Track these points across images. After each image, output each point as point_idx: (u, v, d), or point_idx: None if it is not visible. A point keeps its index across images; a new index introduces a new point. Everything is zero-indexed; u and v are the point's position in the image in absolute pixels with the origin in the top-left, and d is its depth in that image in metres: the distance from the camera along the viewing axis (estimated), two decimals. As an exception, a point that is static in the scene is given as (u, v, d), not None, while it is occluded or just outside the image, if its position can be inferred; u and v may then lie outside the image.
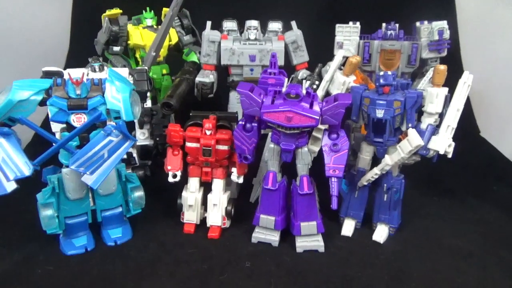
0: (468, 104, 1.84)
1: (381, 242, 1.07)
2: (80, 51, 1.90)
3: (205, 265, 0.96)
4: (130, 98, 0.92)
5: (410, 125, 0.99)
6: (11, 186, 0.84)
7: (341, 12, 1.70)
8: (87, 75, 1.10)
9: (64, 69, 1.91)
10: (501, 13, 1.65)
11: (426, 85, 1.27)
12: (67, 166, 0.93)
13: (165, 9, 1.45)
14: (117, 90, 0.91)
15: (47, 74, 1.09)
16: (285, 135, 0.94)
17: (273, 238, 1.04)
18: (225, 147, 1.05)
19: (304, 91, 0.94)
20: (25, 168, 0.85)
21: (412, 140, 0.95)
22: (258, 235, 1.05)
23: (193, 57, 1.44)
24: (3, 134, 0.86)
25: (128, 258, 0.98)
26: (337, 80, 1.06)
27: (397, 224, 1.09)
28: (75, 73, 1.09)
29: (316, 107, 0.91)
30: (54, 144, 0.88)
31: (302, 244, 1.02)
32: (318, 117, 0.90)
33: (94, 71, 1.10)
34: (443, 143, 0.95)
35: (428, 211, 1.23)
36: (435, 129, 0.98)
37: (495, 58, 1.73)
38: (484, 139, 1.73)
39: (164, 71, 1.45)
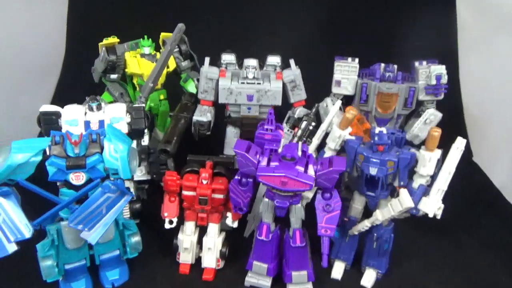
0: (463, 128, 1.86)
1: (369, 287, 1.11)
2: (76, 58, 1.90)
3: (199, 313, 1.01)
4: (127, 157, 0.93)
5: (402, 183, 1.02)
6: (12, 248, 0.87)
7: (339, 37, 1.69)
8: (85, 114, 1.11)
9: (60, 77, 1.92)
10: (501, 40, 1.64)
11: (421, 126, 1.29)
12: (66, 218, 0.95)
13: (163, 34, 1.44)
14: (115, 150, 0.92)
15: (44, 115, 1.10)
16: (279, 195, 0.96)
17: (265, 283, 1.08)
18: (220, 196, 1.07)
19: (299, 153, 0.96)
20: (26, 230, 0.87)
21: (403, 202, 0.98)
22: (251, 279, 1.09)
23: (191, 84, 1.44)
24: (3, 194, 0.88)
25: (126, 304, 1.02)
26: (332, 133, 1.07)
27: (385, 270, 1.13)
28: (73, 113, 1.10)
29: (311, 171, 0.93)
30: (56, 203, 0.90)
31: (292, 291, 1.07)
32: (312, 183, 0.92)
33: (92, 110, 1.11)
34: (432, 206, 0.98)
35: (416, 250, 1.26)
36: (426, 189, 1.01)
37: (493, 83, 1.73)
38: (476, 164, 1.76)
39: (162, 97, 1.45)
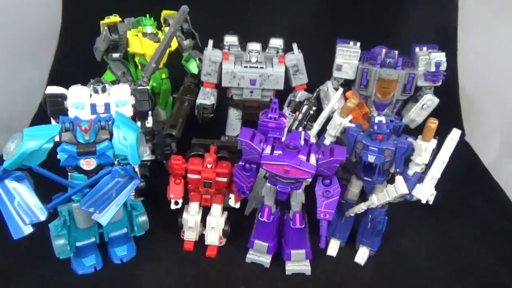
0: (457, 107, 1.90)
1: (362, 264, 1.19)
2: (74, 28, 1.88)
3: (205, 288, 1.08)
4: (136, 144, 0.96)
5: (398, 170, 1.07)
6: (28, 230, 0.91)
7: (340, 16, 1.68)
8: (90, 97, 1.13)
9: (58, 50, 1.89)
10: (501, 23, 1.65)
11: (417, 111, 1.33)
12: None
13: (164, 12, 1.43)
14: (124, 137, 0.94)
15: (50, 97, 1.12)
16: (281, 181, 1.00)
17: (265, 260, 1.15)
18: (224, 179, 1.12)
19: (302, 142, 0.99)
20: (40, 213, 0.91)
21: (399, 188, 1.03)
22: (252, 256, 1.16)
23: (192, 64, 1.44)
24: (17, 178, 0.91)
25: (134, 280, 1.08)
26: (333, 120, 1.10)
27: (377, 247, 1.21)
28: (78, 96, 1.12)
29: (313, 160, 0.97)
30: (68, 188, 0.94)
31: (291, 267, 1.13)
32: (313, 172, 0.96)
33: (97, 92, 1.13)
34: (426, 193, 1.04)
35: (408, 227, 1.33)
36: (421, 176, 1.06)
37: (491, 65, 1.76)
38: (468, 143, 1.81)
39: (164, 76, 1.46)
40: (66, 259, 1.07)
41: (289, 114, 1.31)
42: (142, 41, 1.35)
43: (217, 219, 1.17)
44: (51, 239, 1.02)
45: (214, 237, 1.18)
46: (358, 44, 1.30)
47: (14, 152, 0.88)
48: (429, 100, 1.32)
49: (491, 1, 1.69)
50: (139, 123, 1.21)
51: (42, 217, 0.91)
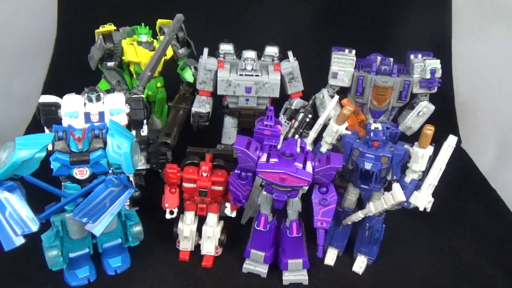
0: (453, 114, 1.90)
1: (360, 273, 1.17)
2: (69, 37, 1.87)
3: (200, 300, 1.06)
4: (130, 152, 0.95)
5: (395, 177, 1.06)
6: (19, 241, 0.89)
7: (336, 24, 1.69)
8: (84, 105, 1.12)
9: (52, 58, 1.89)
10: (494, 29, 1.66)
11: (414, 118, 1.33)
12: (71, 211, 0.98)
13: (159, 21, 1.43)
14: (118, 146, 0.93)
15: (44, 106, 1.11)
16: (278, 189, 0.99)
17: (262, 270, 1.14)
18: (220, 188, 1.10)
19: (298, 149, 0.99)
20: (32, 224, 0.89)
21: (396, 196, 1.03)
22: (249, 266, 1.14)
23: (188, 72, 1.44)
24: (8, 188, 0.89)
25: (129, 291, 1.07)
26: (329, 128, 1.10)
27: (375, 256, 1.19)
28: (72, 104, 1.11)
29: (309, 167, 0.96)
30: (61, 197, 0.93)
31: (288, 277, 1.12)
32: (310, 179, 0.95)
33: (91, 101, 1.12)
34: (423, 200, 1.03)
35: (404, 236, 1.32)
36: (418, 183, 1.05)
37: (485, 72, 1.76)
38: (464, 151, 1.81)
39: (159, 84, 1.45)
40: (59, 271, 1.05)
41: (285, 121, 1.30)
42: (137, 49, 1.34)
43: (213, 229, 1.15)
44: (44, 250, 1.00)
45: (210, 247, 1.16)
46: (354, 51, 1.31)
47: (5, 161, 0.87)
48: (425, 107, 1.32)
49: (485, 8, 1.70)
50: (134, 132, 1.21)
51: (34, 227, 0.89)
